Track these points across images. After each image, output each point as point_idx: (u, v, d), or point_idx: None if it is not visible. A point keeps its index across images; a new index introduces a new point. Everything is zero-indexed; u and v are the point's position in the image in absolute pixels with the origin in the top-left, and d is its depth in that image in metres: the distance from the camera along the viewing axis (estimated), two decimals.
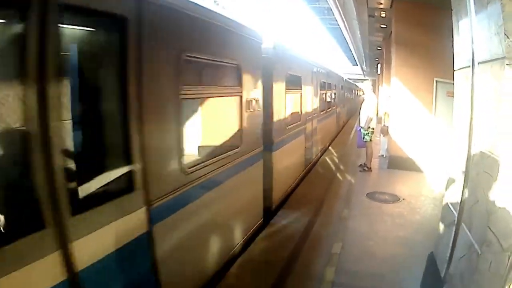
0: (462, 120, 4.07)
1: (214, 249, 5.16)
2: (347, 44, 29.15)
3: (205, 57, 4.81)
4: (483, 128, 3.51)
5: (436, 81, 11.05)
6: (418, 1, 10.82)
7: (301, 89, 10.15)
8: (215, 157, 5.07)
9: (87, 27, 3.22)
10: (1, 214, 2.34)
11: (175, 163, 4.11)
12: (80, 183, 2.95)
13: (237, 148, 5.73)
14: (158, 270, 3.71)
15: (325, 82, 14.51)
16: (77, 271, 2.72)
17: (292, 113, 9.38)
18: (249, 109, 6.17)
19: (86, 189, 3.01)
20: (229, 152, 5.45)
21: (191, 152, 5.20)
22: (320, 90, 13.37)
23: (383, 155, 13.65)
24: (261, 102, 6.75)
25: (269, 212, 7.52)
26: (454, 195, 4.22)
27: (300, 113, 10.19)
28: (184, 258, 4.35)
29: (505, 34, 3.03)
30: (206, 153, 5.36)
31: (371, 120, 11.78)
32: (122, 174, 3.33)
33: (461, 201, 3.82)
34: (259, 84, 6.71)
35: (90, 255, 2.88)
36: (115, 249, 3.14)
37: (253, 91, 6.34)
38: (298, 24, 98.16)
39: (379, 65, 26.96)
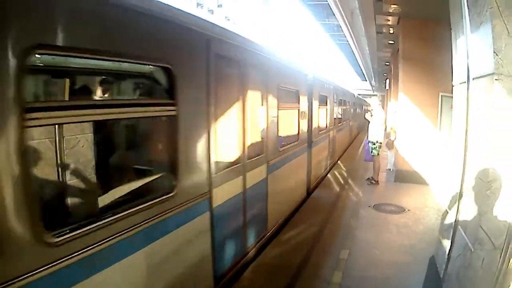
0: (459, 133, 4.34)
1: (290, 196, 8.46)
2: (356, 60, 29.57)
3: (285, 86, 7.74)
4: (477, 140, 3.80)
5: (441, 96, 11.32)
6: (423, 18, 11.08)
7: (326, 105, 12.76)
8: (288, 144, 8.07)
9: None
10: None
11: (276, 144, 7.11)
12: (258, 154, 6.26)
13: (297, 141, 8.73)
14: (268, 200, 6.64)
15: (341, 99, 17.02)
16: (246, 188, 5.63)
17: (321, 123, 11.71)
18: (302, 118, 9.09)
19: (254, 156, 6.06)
20: (294, 143, 8.50)
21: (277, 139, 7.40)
22: (338, 105, 16.02)
23: (390, 169, 13.97)
24: (306, 113, 9.63)
25: (308, 191, 10.27)
26: (452, 201, 4.49)
27: (326, 123, 12.73)
28: (279, 198, 7.35)
29: (494, 52, 3.34)
30: (284, 141, 7.91)
31: (381, 133, 12.22)
32: (258, 147, 6.28)
33: (458, 205, 4.11)
34: (305, 102, 9.54)
35: (249, 181, 5.76)
36: (257, 181, 6.13)
37: (303, 106, 9.23)
38: (309, 40, 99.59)
39: (387, 81, 27.25)
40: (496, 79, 3.33)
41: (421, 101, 11.77)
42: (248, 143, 5.69)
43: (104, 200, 3.82)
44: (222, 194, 4.86)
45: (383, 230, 7.77)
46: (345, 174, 13.83)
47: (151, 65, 3.74)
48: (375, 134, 12.18)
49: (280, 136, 7.49)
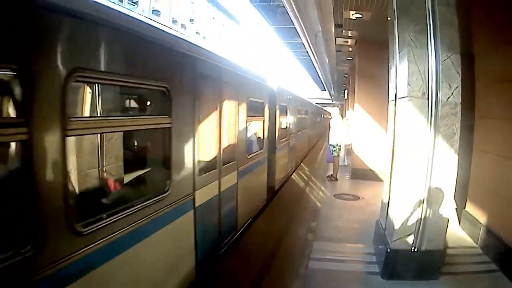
0: (391, 139, 6.44)
1: (257, 196, 9.22)
2: (317, 72, 31.52)
3: (254, 99, 8.54)
4: (398, 147, 6.06)
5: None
6: (375, 41, 12.93)
7: (287, 115, 13.27)
8: (255, 152, 8.81)
9: None
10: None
11: (245, 151, 7.85)
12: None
13: (262, 148, 9.37)
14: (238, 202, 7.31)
15: (300, 109, 17.53)
16: (221, 190, 6.31)
17: (282, 131, 12.35)
18: (267, 126, 9.72)
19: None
20: (260, 150, 9.18)
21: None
22: (297, 115, 16.35)
23: (344, 165, 16.66)
24: (271, 123, 10.36)
25: (273, 192, 10.81)
26: (386, 184, 6.69)
27: (286, 131, 13.40)
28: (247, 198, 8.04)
29: (408, 84, 5.57)
30: (252, 148, 8.89)
31: (340, 137, 14.87)
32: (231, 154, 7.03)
33: (389, 189, 6.38)
34: (270, 112, 10.17)
35: (224, 184, 6.49)
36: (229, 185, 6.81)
37: (268, 116, 9.84)
38: (273, 53, 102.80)
39: (346, 91, 29.48)
40: (408, 100, 5.58)
41: (373, 110, 13.82)
42: (222, 150, 6.36)
43: (121, 197, 4.67)
44: (202, 195, 5.43)
45: (342, 210, 10.11)
46: (308, 174, 16.13)
47: (153, 85, 4.21)
48: (335, 138, 14.67)
49: (249, 143, 8.45)
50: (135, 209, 3.78)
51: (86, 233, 3.09)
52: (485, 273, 6.29)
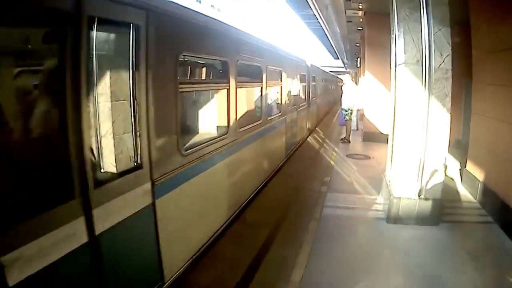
0: (392, 101, 7.37)
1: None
2: (330, 42, 32.18)
3: (293, 71, 12.53)
4: (398, 108, 6.93)
5: None
6: (382, 12, 13.46)
7: (315, 82, 18.65)
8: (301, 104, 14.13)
9: None
10: None
11: (296, 100, 13.02)
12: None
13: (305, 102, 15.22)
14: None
15: (323, 78, 23.87)
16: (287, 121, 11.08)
17: (313, 93, 17.62)
18: (307, 90, 15.66)
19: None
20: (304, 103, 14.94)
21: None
22: (321, 82, 22.27)
23: (356, 129, 17.72)
24: (308, 87, 16.04)
25: (310, 131, 17.08)
26: (389, 141, 7.59)
27: (315, 93, 18.69)
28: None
29: (404, 52, 6.45)
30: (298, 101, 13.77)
31: (352, 102, 15.85)
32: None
33: (392, 146, 7.29)
34: (308, 80, 15.75)
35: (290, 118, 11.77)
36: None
37: (304, 83, 14.94)
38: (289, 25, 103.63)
39: (358, 59, 30.00)
40: (405, 66, 6.46)
41: (382, 76, 14.51)
42: (293, 98, 12.28)
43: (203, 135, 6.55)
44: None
45: (354, 167, 11.19)
46: (324, 133, 18.23)
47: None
48: (346, 103, 15.67)
49: (301, 98, 14.27)
50: (210, 143, 5.69)
51: (186, 155, 4.83)
52: (481, 224, 7.11)
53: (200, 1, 32.60)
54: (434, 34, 6.26)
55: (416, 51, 6.38)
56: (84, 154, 3.14)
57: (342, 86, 18.17)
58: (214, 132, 6.50)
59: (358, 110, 17.53)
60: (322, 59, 55.31)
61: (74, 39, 3.03)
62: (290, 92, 11.62)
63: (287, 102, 11.29)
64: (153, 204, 4.13)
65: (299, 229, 6.64)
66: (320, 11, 16.55)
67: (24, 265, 2.62)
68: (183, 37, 4.87)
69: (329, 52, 50.19)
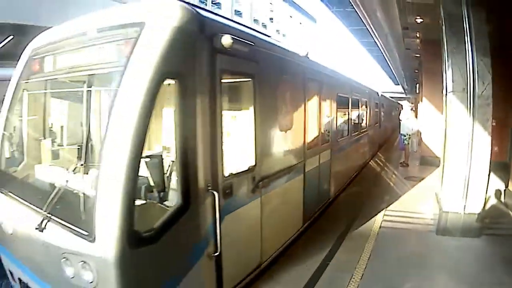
0: (444, 126, 8.19)
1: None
2: (390, 68, 32.73)
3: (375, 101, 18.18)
4: (448, 132, 7.68)
5: None
6: (437, 41, 14.16)
7: (384, 108, 22.78)
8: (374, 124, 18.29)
9: None
10: None
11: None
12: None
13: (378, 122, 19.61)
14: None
15: (388, 104, 28.25)
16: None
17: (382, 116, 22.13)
18: (378, 114, 20.15)
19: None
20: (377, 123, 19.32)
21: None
22: (386, 108, 25.73)
23: (415, 151, 18.07)
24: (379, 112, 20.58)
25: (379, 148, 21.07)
26: (441, 166, 8.35)
27: (384, 117, 23.22)
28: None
29: (452, 81, 7.25)
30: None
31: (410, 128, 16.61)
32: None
33: (443, 167, 8.04)
34: (378, 107, 19.24)
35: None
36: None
37: (377, 109, 19.47)
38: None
39: (417, 85, 30.32)
40: (453, 94, 7.24)
41: (437, 103, 14.48)
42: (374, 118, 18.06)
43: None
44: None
45: (409, 186, 12.14)
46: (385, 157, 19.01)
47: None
48: (406, 129, 16.50)
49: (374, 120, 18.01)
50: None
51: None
52: None
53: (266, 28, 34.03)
54: (477, 65, 7.03)
55: (462, 80, 7.18)
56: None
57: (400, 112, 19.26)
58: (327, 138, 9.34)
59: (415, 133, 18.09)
60: (384, 84, 55.97)
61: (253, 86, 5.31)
62: (370, 114, 16.44)
63: (370, 121, 16.35)
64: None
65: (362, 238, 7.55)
66: (380, 38, 17.33)
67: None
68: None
69: (390, 78, 50.42)
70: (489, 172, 7.41)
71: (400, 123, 17.52)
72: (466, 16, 7.17)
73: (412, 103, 27.60)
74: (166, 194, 4.16)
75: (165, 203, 4.10)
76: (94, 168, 3.89)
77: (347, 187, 11.63)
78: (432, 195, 9.57)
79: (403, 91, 54.01)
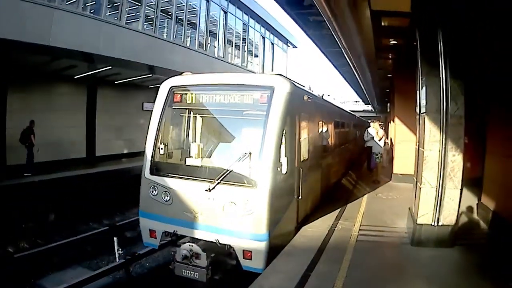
0: (416, 143, 8.69)
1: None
2: (362, 88, 33.33)
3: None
4: (421, 150, 8.08)
5: None
6: (408, 62, 14.42)
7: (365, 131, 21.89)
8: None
9: None
10: None
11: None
12: None
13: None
14: None
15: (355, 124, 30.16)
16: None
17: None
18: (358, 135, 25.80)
19: None
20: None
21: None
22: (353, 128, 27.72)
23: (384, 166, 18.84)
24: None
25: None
26: (414, 182, 8.75)
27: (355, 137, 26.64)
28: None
29: (426, 102, 7.71)
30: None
31: (381, 147, 17.10)
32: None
33: (416, 183, 8.49)
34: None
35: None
36: None
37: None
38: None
39: (388, 104, 31.01)
40: (426, 114, 7.69)
41: (409, 122, 15.52)
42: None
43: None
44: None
45: (382, 202, 12.75)
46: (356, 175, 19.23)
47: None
48: (377, 148, 16.94)
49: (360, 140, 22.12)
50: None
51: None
52: (489, 246, 8.49)
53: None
54: (450, 87, 7.50)
55: (435, 101, 7.62)
56: None
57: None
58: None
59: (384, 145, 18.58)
60: (355, 104, 57.67)
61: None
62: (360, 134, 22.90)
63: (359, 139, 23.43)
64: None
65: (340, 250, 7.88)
66: (353, 59, 17.85)
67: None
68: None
69: (360, 97, 51.39)
70: (462, 187, 7.84)
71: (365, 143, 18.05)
72: (441, 39, 7.60)
73: (381, 122, 28.34)
74: (284, 168, 7.82)
75: (282, 170, 7.79)
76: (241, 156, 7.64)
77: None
78: (405, 210, 9.97)
79: (373, 110, 55.13)
